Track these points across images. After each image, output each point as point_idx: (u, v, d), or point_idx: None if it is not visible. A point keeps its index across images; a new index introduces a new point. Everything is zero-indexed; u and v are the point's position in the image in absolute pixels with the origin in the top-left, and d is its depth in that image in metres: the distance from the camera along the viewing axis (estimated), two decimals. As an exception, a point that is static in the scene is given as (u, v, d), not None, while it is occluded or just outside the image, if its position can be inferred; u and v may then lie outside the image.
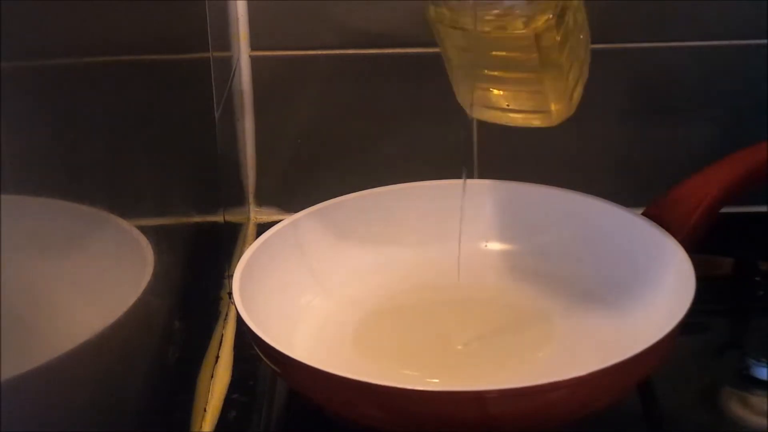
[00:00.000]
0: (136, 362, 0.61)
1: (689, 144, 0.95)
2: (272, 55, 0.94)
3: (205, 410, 0.74)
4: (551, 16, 0.67)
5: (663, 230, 0.78)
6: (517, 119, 0.74)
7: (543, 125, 0.74)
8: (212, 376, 0.78)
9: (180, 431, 0.70)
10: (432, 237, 0.85)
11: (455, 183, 0.86)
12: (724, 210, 0.80)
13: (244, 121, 0.96)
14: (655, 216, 0.79)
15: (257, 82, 0.95)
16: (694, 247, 0.77)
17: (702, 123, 0.95)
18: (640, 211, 0.81)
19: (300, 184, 0.97)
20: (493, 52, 0.70)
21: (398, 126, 0.96)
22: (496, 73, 0.72)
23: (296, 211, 0.83)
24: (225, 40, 0.90)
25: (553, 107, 0.73)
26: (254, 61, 0.94)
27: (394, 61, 0.94)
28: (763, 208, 0.94)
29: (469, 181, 0.88)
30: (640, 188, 0.87)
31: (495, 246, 0.85)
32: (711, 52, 0.93)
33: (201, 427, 0.73)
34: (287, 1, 0.92)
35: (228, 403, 0.76)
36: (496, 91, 0.73)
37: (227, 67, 0.90)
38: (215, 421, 0.74)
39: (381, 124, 0.96)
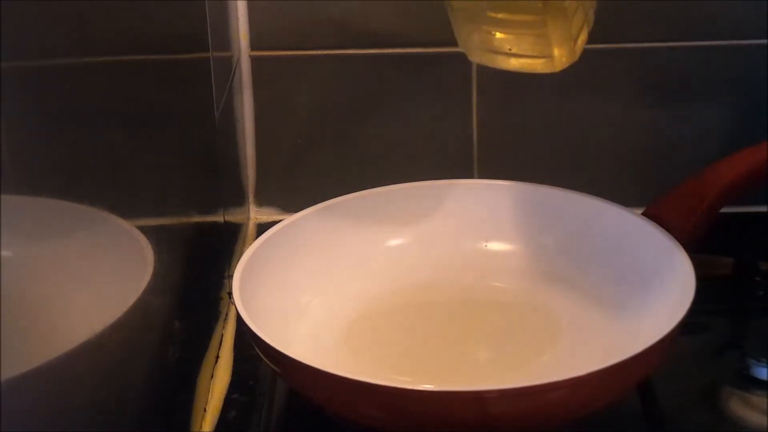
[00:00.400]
0: (136, 362, 0.61)
1: (689, 144, 0.95)
2: (272, 55, 0.94)
3: (205, 410, 0.74)
4: None
5: (663, 230, 0.78)
6: (519, 64, 0.73)
7: (545, 71, 0.72)
8: (212, 376, 0.78)
9: (180, 431, 0.70)
10: (432, 237, 0.85)
11: (455, 183, 0.86)
12: (724, 210, 0.80)
13: (244, 120, 0.96)
14: (655, 216, 0.79)
15: (257, 82, 0.95)
16: (694, 247, 0.77)
17: (702, 123, 0.95)
18: (640, 211, 0.81)
19: (300, 184, 0.97)
20: None
21: (398, 126, 0.96)
22: (498, 16, 0.70)
23: (296, 211, 0.83)
24: (225, 40, 0.90)
25: (556, 52, 0.71)
26: (254, 61, 0.94)
27: (394, 61, 0.94)
28: (763, 208, 0.94)
29: (469, 181, 0.88)
30: (640, 188, 0.87)
31: (495, 246, 0.85)
32: (711, 52, 0.93)
33: (201, 427, 0.73)
34: (287, 1, 0.92)
35: (228, 403, 0.76)
36: (498, 35, 0.72)
37: (227, 67, 0.90)
38: (215, 421, 0.74)
39: (381, 124, 0.96)
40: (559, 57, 0.71)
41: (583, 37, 0.72)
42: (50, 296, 0.48)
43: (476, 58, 0.73)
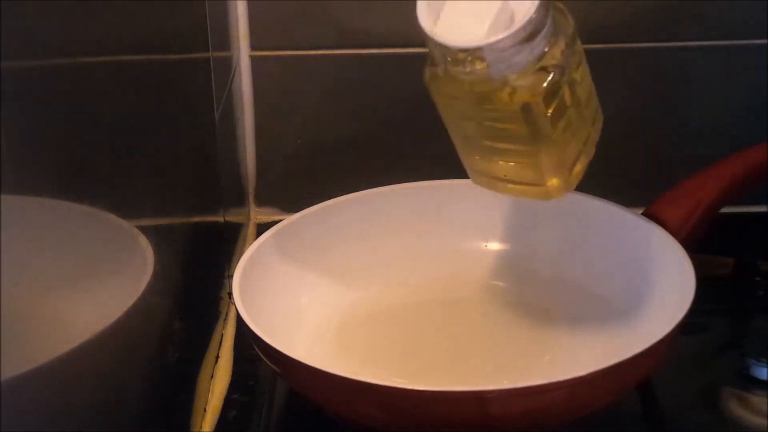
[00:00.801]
0: (136, 362, 0.61)
1: (689, 144, 0.95)
2: (272, 55, 0.94)
3: (205, 410, 0.74)
4: (539, 87, 0.67)
5: (663, 230, 0.78)
6: (515, 190, 0.74)
7: (541, 199, 0.73)
8: (212, 376, 0.78)
9: (180, 431, 0.70)
10: (432, 237, 0.85)
11: (456, 183, 0.86)
12: (724, 210, 0.80)
13: (244, 121, 0.96)
14: (655, 216, 0.79)
15: (257, 82, 0.95)
16: (694, 247, 0.77)
17: (702, 123, 0.95)
18: (640, 211, 0.81)
19: (300, 184, 0.97)
20: (486, 122, 0.70)
21: (398, 126, 0.96)
22: (493, 144, 0.72)
23: (296, 211, 0.83)
24: (225, 40, 0.90)
25: (549, 181, 0.72)
26: (254, 61, 0.94)
27: (394, 61, 0.94)
28: (763, 208, 0.94)
29: (469, 181, 0.88)
30: (640, 188, 0.87)
31: (495, 246, 0.85)
32: (712, 52, 0.93)
33: (201, 427, 0.73)
34: (287, 1, 0.92)
35: (228, 403, 0.76)
36: (494, 162, 0.73)
37: (227, 67, 0.90)
38: (215, 421, 0.74)
39: (381, 124, 0.96)
40: (553, 186, 0.72)
41: (580, 167, 0.73)
42: (50, 296, 0.48)
43: (479, 182, 0.74)
